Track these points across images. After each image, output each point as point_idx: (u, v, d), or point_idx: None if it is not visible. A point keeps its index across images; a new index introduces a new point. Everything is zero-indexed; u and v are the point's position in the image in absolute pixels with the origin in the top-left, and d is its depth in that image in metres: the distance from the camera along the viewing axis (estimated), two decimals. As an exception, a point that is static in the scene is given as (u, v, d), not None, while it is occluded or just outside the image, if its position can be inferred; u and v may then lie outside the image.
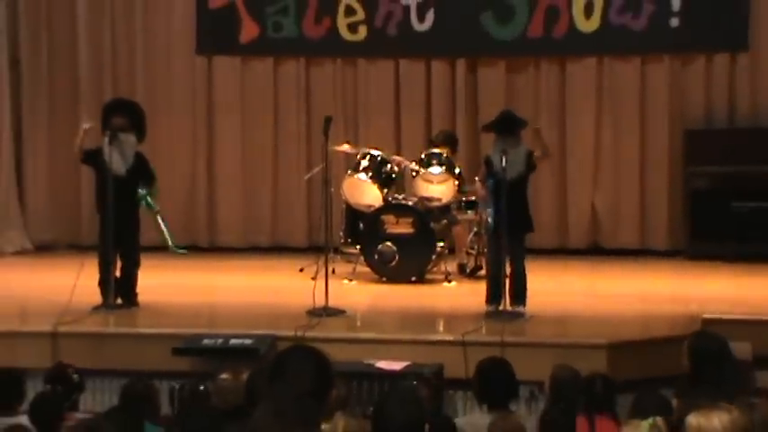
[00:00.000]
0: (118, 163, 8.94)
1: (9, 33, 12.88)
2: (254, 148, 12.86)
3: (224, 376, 6.30)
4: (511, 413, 6.11)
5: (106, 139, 8.94)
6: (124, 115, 9.10)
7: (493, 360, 6.67)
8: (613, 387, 6.26)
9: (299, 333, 8.12)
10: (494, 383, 6.33)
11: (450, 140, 11.05)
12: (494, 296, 8.74)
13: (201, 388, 6.55)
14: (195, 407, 6.26)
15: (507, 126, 8.81)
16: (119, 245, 9.00)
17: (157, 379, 7.54)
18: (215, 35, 12.84)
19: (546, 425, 5.69)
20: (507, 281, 8.74)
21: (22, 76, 12.99)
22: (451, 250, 10.92)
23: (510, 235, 8.60)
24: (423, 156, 10.64)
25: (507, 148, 8.62)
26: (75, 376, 6.75)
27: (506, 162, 8.55)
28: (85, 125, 9.28)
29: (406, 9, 12.48)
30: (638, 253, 12.17)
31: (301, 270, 10.65)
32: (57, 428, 5.67)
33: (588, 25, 12.27)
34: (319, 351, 4.16)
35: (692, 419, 4.58)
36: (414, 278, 10.43)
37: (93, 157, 9.10)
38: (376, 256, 10.41)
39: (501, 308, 8.68)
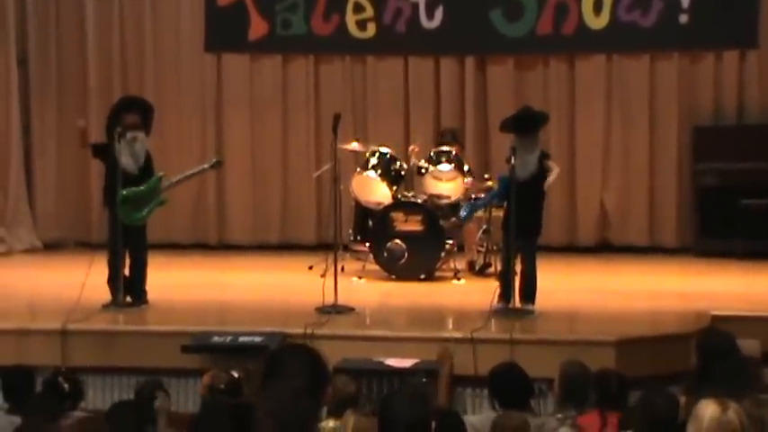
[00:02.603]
0: (129, 161, 8.95)
1: (18, 32, 12.90)
2: (263, 146, 12.87)
3: (234, 373, 6.32)
4: (524, 410, 6.10)
5: (117, 137, 8.94)
6: (137, 113, 9.11)
7: (505, 366, 6.65)
8: (626, 384, 6.27)
9: (309, 330, 8.13)
10: (508, 388, 6.33)
11: (458, 137, 11.08)
12: (504, 294, 8.74)
13: (236, 375, 6.54)
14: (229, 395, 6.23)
15: (522, 125, 8.78)
16: (127, 243, 9.01)
17: (166, 376, 7.58)
18: (224, 32, 12.85)
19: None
20: (517, 279, 8.75)
21: (31, 74, 13.01)
22: (461, 248, 10.93)
23: (520, 234, 8.59)
24: (432, 153, 10.64)
25: (519, 147, 8.61)
26: (67, 384, 6.71)
27: (515, 160, 8.54)
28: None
29: (415, 6, 12.49)
30: (647, 250, 12.17)
31: (311, 268, 10.66)
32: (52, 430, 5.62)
33: (597, 22, 12.27)
34: (312, 348, 4.17)
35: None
36: (423, 276, 10.43)
37: (103, 151, 9.10)
38: (385, 254, 10.42)
39: (510, 305, 8.68)
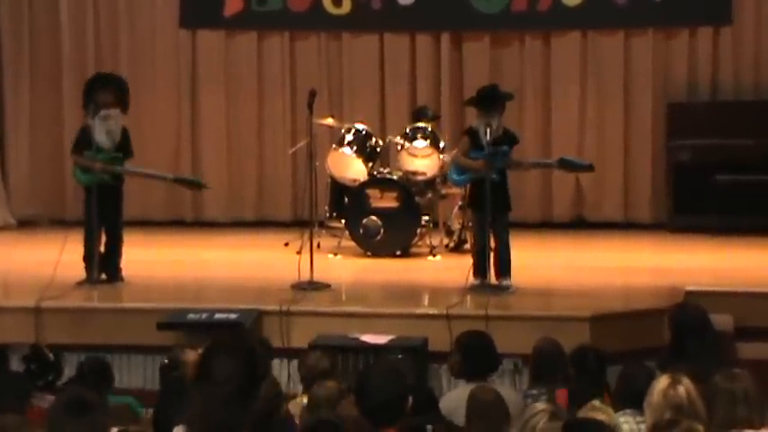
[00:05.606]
0: (103, 137, 8.94)
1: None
2: (238, 123, 12.83)
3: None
4: (491, 383, 6.14)
5: (90, 114, 8.92)
6: (111, 90, 9.10)
7: (474, 333, 6.70)
8: (604, 359, 6.31)
9: (284, 307, 8.14)
10: (475, 356, 6.36)
11: (436, 114, 11.09)
12: (479, 270, 8.77)
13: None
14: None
15: (489, 101, 8.80)
16: (103, 220, 8.99)
17: (141, 354, 7.60)
18: (199, 8, 12.76)
19: None
20: (492, 255, 8.78)
21: (4, 49, 12.90)
22: (436, 224, 10.94)
23: (494, 209, 8.62)
24: (407, 130, 10.64)
25: (491, 122, 8.64)
26: (51, 355, 6.70)
27: (490, 136, 8.57)
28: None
29: (390, -18, 12.45)
30: (622, 226, 12.21)
31: (286, 244, 10.66)
32: (23, 409, 5.60)
33: (572, -1, 12.26)
34: (250, 345, 4.20)
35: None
36: (398, 252, 10.44)
37: (83, 143, 9.04)
38: (361, 230, 10.42)
39: (486, 281, 8.71)
